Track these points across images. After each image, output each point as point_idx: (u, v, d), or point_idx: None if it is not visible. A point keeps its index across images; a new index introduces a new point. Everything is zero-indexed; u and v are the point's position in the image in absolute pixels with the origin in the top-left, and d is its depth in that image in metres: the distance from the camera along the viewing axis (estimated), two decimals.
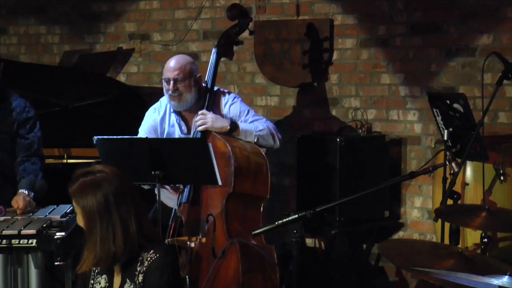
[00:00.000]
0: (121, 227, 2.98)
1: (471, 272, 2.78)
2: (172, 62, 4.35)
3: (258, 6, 5.75)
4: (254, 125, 4.38)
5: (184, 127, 4.41)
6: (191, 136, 4.32)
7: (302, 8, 5.65)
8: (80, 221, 3.04)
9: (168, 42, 6.17)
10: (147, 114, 4.50)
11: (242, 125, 4.33)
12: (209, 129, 4.28)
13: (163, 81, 4.36)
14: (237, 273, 4.00)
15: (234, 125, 4.31)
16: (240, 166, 4.13)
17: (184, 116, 4.44)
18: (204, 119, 4.29)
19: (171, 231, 4.15)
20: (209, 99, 4.38)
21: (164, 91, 4.37)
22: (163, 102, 4.48)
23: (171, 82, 4.29)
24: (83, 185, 3.00)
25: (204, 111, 4.33)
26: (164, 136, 4.41)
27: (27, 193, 4.09)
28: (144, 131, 4.44)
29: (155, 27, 6.26)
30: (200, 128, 4.28)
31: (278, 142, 4.43)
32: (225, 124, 4.29)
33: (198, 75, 4.40)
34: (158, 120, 4.43)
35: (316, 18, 5.58)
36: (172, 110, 4.42)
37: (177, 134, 4.41)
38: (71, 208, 3.92)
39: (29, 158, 4.27)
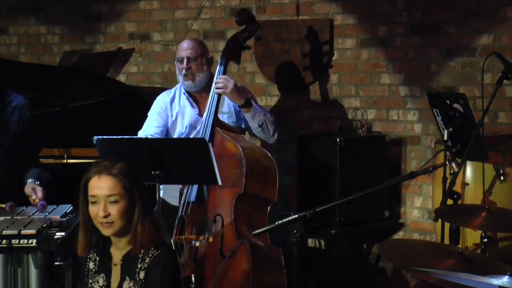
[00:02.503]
0: (148, 217, 3.04)
1: (471, 272, 2.78)
2: (185, 43, 4.57)
3: (258, 6, 5.74)
4: (263, 109, 4.54)
5: (195, 106, 4.51)
6: (204, 118, 4.35)
7: (302, 8, 5.65)
8: (116, 201, 3.01)
9: (168, 42, 6.17)
10: (158, 97, 4.62)
11: (255, 105, 4.44)
12: (225, 94, 4.38)
13: (176, 62, 4.52)
14: (248, 273, 3.97)
15: (248, 102, 4.40)
16: (251, 167, 4.13)
17: (196, 97, 4.54)
18: (226, 83, 4.36)
19: (177, 229, 4.15)
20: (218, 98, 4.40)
21: (177, 72, 4.53)
22: (174, 88, 4.62)
23: (185, 61, 4.46)
24: (128, 168, 3.05)
25: (227, 76, 4.42)
26: (175, 116, 4.51)
27: (38, 183, 4.09)
28: (154, 113, 4.54)
29: (155, 27, 6.26)
30: (218, 91, 4.36)
31: (276, 136, 4.54)
32: (240, 97, 4.39)
33: (210, 56, 4.57)
34: (168, 101, 4.55)
35: (316, 18, 5.58)
36: (183, 91, 4.53)
37: (187, 112, 4.50)
38: (71, 208, 3.92)
39: (32, 153, 4.30)
